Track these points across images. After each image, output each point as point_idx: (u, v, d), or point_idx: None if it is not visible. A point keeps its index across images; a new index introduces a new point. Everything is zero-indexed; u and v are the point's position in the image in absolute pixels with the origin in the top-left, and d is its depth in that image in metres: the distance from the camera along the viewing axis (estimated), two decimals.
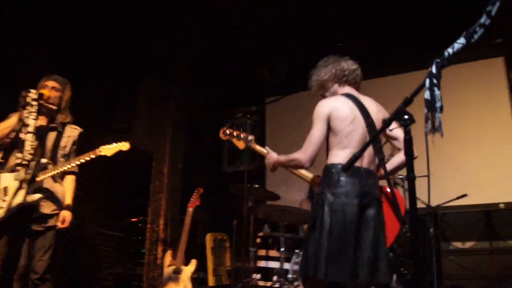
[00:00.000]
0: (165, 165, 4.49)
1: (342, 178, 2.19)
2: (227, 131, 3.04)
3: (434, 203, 3.84)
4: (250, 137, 2.97)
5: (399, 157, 2.36)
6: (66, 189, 3.01)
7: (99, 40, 4.96)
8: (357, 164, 2.17)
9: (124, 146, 2.89)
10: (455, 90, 5.12)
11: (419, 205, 3.65)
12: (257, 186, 4.14)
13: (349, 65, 2.50)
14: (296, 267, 3.57)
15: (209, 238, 5.04)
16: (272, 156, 2.63)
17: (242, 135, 2.99)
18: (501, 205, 4.78)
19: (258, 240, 4.08)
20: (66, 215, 2.90)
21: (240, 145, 3.00)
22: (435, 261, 3.76)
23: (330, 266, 2.04)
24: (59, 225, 2.87)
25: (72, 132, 3.08)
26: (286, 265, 3.71)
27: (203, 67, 5.75)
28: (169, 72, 4.96)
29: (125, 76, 5.06)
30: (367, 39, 5.20)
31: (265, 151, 2.79)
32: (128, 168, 5.30)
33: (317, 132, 2.27)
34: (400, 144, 2.32)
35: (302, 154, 2.28)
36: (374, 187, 2.24)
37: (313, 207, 2.27)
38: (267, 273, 3.85)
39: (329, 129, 2.29)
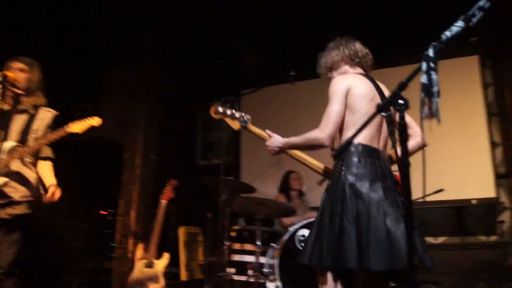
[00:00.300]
0: (137, 156, 4.35)
1: (362, 159, 2.05)
2: (220, 109, 2.70)
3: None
4: (247, 117, 2.68)
5: (409, 143, 2.19)
6: (46, 173, 2.86)
7: (68, 25, 4.80)
8: (374, 145, 2.09)
9: (95, 121, 2.74)
10: None
11: None
12: (231, 178, 4.09)
13: (361, 47, 2.39)
14: (272, 261, 3.52)
15: (182, 232, 4.98)
16: (277, 139, 2.44)
17: (237, 114, 2.68)
18: (474, 201, 4.86)
19: (233, 234, 4.05)
20: (56, 189, 2.75)
21: (235, 125, 2.70)
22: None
23: (371, 254, 1.85)
24: (48, 196, 2.70)
25: (45, 115, 2.92)
26: (262, 259, 3.68)
27: (177, 57, 5.66)
28: (142, 61, 4.82)
29: (97, 64, 4.91)
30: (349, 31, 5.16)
31: (265, 134, 2.58)
32: (98, 159, 5.16)
33: (335, 107, 2.11)
34: (411, 130, 2.23)
35: (321, 132, 2.11)
36: (391, 170, 2.13)
37: (330, 191, 2.08)
38: (242, 267, 3.83)
39: (346, 106, 2.14)
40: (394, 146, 1.98)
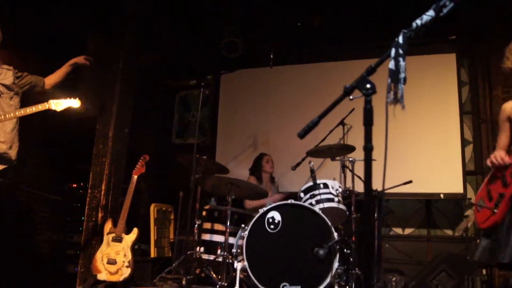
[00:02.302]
0: (110, 128, 4.27)
1: None
2: None
3: (378, 187, 3.79)
4: None
5: None
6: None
7: None
8: None
9: (75, 103, 2.77)
10: (408, 81, 5.24)
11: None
12: (205, 157, 4.09)
13: None
14: (241, 242, 3.54)
15: (153, 209, 4.96)
16: None
17: None
18: (442, 195, 4.98)
19: (204, 213, 4.08)
20: None
21: None
22: (376, 245, 3.80)
23: None
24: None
25: (6, 74, 2.99)
26: (231, 240, 3.72)
27: (159, 30, 5.58)
28: (122, 28, 4.64)
29: (74, 29, 4.76)
30: (325, 16, 5.22)
31: None
32: (70, 130, 5.07)
33: None
34: None
35: None
36: None
37: None
38: (211, 247, 3.87)
39: None
40: None
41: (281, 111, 5.72)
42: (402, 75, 1.37)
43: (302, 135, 1.64)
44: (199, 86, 4.17)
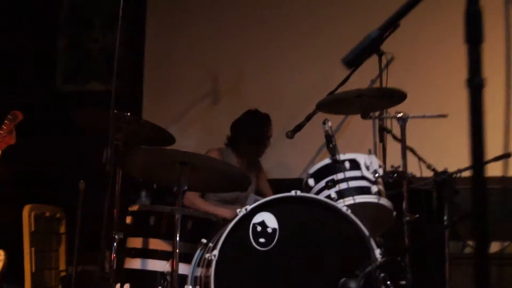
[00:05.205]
0: None
1: None
2: None
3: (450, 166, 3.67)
4: None
5: None
6: None
7: None
8: None
9: None
10: None
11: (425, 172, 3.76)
12: (129, 114, 3.61)
13: None
14: (200, 272, 3.19)
15: (27, 215, 4.44)
16: None
17: None
18: None
19: (129, 220, 3.68)
20: None
21: None
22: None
23: None
24: None
25: None
26: (183, 268, 3.32)
27: None
28: None
29: None
30: None
31: None
32: None
33: None
34: None
35: None
36: None
37: None
38: (145, 283, 3.57)
39: None
40: None
41: (263, 29, 5.49)
42: None
43: (350, 63, 1.51)
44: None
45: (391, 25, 1.48)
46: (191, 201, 4.28)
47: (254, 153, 4.57)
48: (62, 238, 4.95)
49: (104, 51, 6.02)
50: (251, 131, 4.53)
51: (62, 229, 4.91)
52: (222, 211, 4.12)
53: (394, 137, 3.80)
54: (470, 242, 4.79)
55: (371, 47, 1.46)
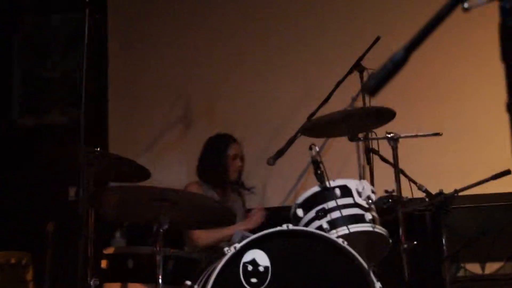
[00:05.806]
0: None
1: None
2: None
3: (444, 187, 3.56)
4: None
5: None
6: None
7: None
8: None
9: None
10: None
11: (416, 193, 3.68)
12: (99, 149, 3.50)
13: None
14: None
15: None
16: None
17: None
18: None
19: (105, 264, 3.59)
20: None
21: None
22: None
23: None
24: None
25: None
26: None
27: None
28: None
29: None
30: None
31: None
32: None
33: None
34: None
35: None
36: None
37: None
38: None
39: None
40: None
41: (235, 48, 5.40)
42: None
43: (373, 90, 1.25)
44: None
45: (418, 44, 1.26)
46: (200, 236, 4.19)
47: (220, 177, 4.43)
48: (30, 286, 4.74)
49: (62, 79, 5.83)
50: (210, 156, 4.46)
51: (29, 276, 4.69)
52: (237, 226, 3.97)
53: (383, 159, 3.79)
54: (467, 265, 4.75)
55: (395, 70, 1.26)
